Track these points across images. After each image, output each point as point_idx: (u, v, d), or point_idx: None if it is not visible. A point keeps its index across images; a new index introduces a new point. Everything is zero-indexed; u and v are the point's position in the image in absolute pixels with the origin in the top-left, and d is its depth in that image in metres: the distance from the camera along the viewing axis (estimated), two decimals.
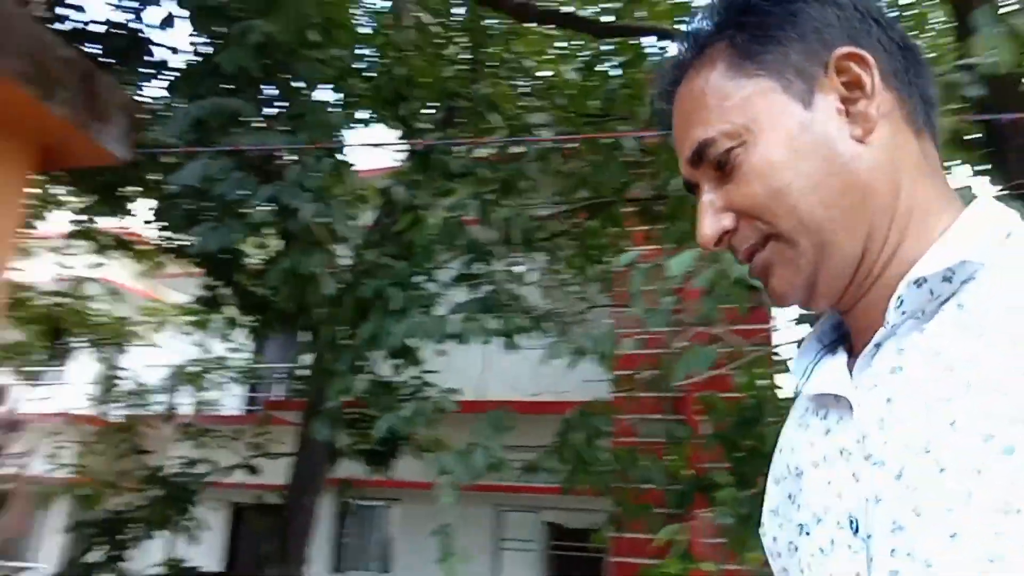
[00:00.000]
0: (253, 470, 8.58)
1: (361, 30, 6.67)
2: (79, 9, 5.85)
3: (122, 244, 9.67)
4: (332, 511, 11.40)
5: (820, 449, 0.73)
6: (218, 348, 10.94)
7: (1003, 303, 0.62)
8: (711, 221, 0.74)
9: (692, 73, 0.77)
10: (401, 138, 6.36)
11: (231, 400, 11.95)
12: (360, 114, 6.50)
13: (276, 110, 5.38)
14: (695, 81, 0.76)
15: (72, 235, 9.48)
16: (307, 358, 8.66)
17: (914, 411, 0.63)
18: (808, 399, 0.78)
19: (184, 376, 10.36)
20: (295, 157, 5.03)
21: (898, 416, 0.64)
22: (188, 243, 8.69)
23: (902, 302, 0.67)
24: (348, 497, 10.45)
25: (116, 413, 10.59)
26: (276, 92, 5.40)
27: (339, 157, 5.27)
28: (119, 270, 11.52)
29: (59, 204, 8.91)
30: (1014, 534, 0.55)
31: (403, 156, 6.12)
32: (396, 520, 11.82)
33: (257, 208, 4.98)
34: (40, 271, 9.99)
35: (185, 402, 10.52)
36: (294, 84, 5.39)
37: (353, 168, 5.53)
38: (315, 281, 4.82)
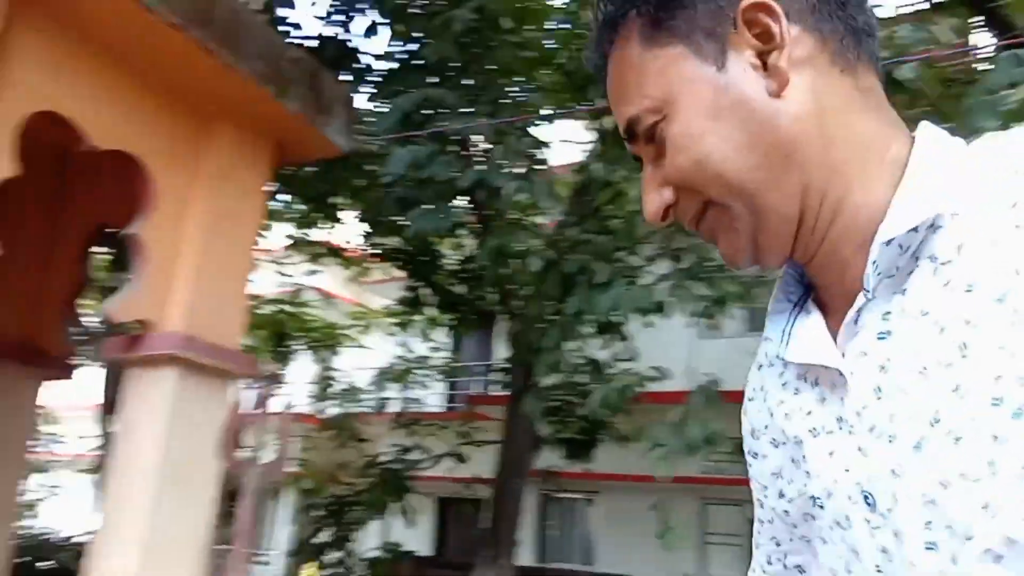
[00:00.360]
0: (461, 458, 8.92)
1: (552, 16, 6.84)
2: (296, 26, 6.44)
3: (333, 253, 10.44)
4: (536, 503, 11.62)
5: (817, 418, 0.72)
6: (420, 348, 11.52)
7: (984, 256, 0.59)
8: (653, 197, 0.74)
9: (612, 50, 0.76)
10: (593, 118, 6.42)
11: (434, 397, 12.52)
12: (552, 99, 6.64)
13: (475, 96, 5.60)
14: (615, 59, 0.76)
15: (290, 247, 10.39)
16: (506, 351, 8.90)
17: (912, 379, 0.61)
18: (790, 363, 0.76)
19: (390, 375, 11.00)
20: (496, 141, 5.20)
21: (897, 385, 0.63)
22: (392, 246, 9.28)
23: (876, 265, 0.64)
24: (550, 489, 10.61)
25: (331, 410, 11.42)
26: (473, 82, 5.65)
27: (536, 136, 5.39)
28: (330, 279, 12.47)
29: (279, 217, 9.78)
30: None
31: (595, 137, 6.18)
32: (598, 515, 11.85)
33: (459, 194, 5.21)
34: (264, 281, 11.01)
35: (392, 399, 11.14)
36: (491, 70, 5.59)
37: (548, 149, 5.66)
38: (521, 257, 4.96)
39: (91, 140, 4.21)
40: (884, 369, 0.64)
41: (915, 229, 0.63)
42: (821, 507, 0.72)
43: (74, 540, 10.43)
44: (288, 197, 9.14)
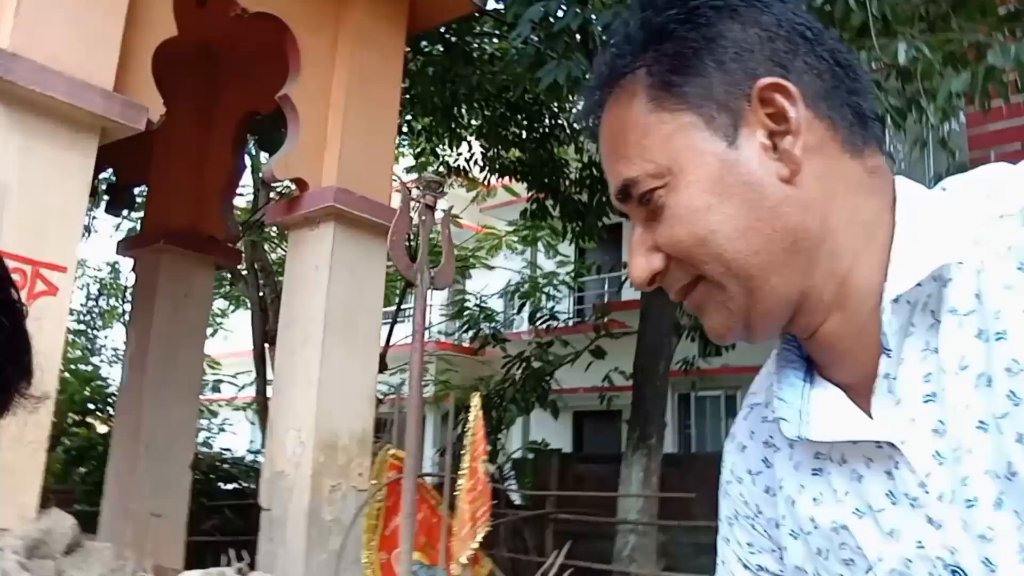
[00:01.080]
0: (600, 352, 8.99)
1: None
2: None
3: (456, 172, 10.65)
4: (675, 402, 11.63)
5: (858, 497, 0.68)
6: (547, 263, 11.64)
7: (1004, 301, 0.59)
8: (640, 262, 0.70)
9: (613, 102, 0.72)
10: None
11: (565, 312, 12.67)
12: None
13: None
14: (616, 112, 0.72)
15: (412, 168, 10.68)
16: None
17: (973, 435, 0.60)
18: (808, 442, 0.71)
19: (520, 293, 11.19)
20: None
21: (959, 445, 0.61)
22: (513, 158, 9.39)
23: (891, 324, 0.63)
24: (689, 386, 10.57)
25: (465, 334, 11.76)
26: None
27: None
28: (454, 205, 12.76)
29: (399, 148, 10.05)
30: None
31: None
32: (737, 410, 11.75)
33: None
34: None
35: (524, 317, 11.35)
36: None
37: None
38: None
39: (240, 3, 4.51)
40: (939, 433, 0.62)
41: (919, 284, 0.62)
42: None
43: (248, 461, 11.23)
44: (410, 118, 9.39)
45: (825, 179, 0.67)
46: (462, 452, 4.47)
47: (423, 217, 3.77)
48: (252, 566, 4.42)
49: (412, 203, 3.77)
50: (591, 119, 0.76)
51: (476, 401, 4.75)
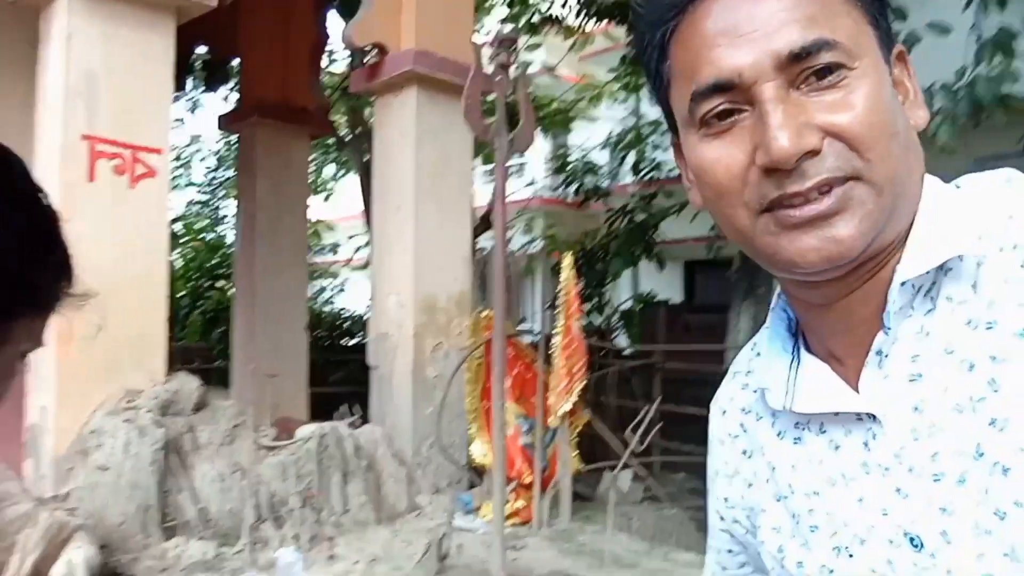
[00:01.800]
0: None
1: None
2: None
3: (550, 20, 10.22)
4: None
5: (833, 466, 0.71)
6: (651, 113, 11.21)
7: (1000, 294, 0.63)
8: (794, 135, 0.62)
9: None
10: None
11: (669, 160, 12.29)
12: None
13: None
14: None
15: (505, 20, 10.31)
16: None
17: (949, 416, 0.63)
18: (790, 412, 0.74)
19: (624, 143, 10.88)
20: None
21: (934, 424, 0.64)
22: (610, 1, 8.88)
23: (895, 304, 0.65)
24: None
25: (569, 188, 11.64)
26: None
27: None
28: (551, 56, 12.32)
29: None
30: None
31: None
32: None
33: None
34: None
35: (628, 167, 11.08)
36: None
37: None
38: None
39: None
40: (918, 410, 0.65)
41: (927, 271, 0.64)
42: (850, 555, 0.71)
43: (366, 318, 11.87)
44: None
45: (915, 146, 0.69)
46: (556, 311, 4.55)
47: (498, 77, 3.67)
48: (365, 419, 4.76)
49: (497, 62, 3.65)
50: None
51: (567, 261, 4.77)
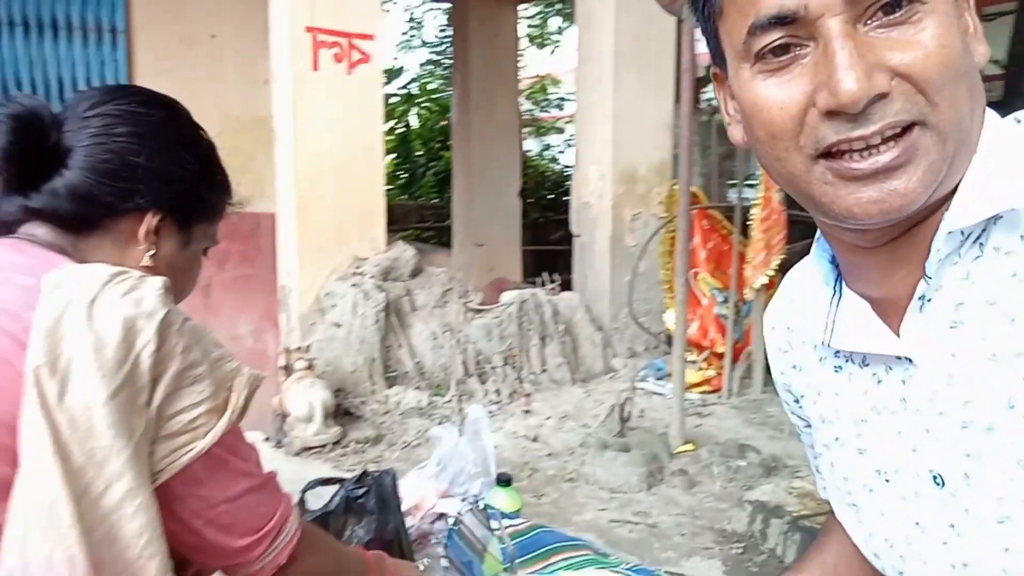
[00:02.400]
0: None
1: None
2: None
3: None
4: None
5: (876, 397, 0.73)
6: None
7: None
8: (862, 77, 0.57)
9: None
10: None
11: None
12: None
13: None
14: None
15: None
16: None
17: (985, 366, 0.63)
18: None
19: None
20: None
21: (969, 371, 0.64)
22: None
23: (939, 252, 0.63)
24: None
25: None
26: None
27: None
28: None
29: None
30: None
31: None
32: None
33: None
34: None
35: None
36: None
37: None
38: None
39: None
40: (955, 356, 0.65)
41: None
42: (887, 481, 0.74)
43: None
44: None
45: (978, 85, 0.64)
46: (755, 183, 4.43)
47: None
48: (564, 286, 5.05)
49: None
50: None
51: None
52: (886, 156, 0.59)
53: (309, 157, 4.04)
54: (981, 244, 0.64)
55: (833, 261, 0.75)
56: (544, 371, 4.36)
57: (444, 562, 2.00)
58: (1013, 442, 0.62)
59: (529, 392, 4.16)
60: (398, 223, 10.51)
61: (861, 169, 0.60)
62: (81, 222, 1.05)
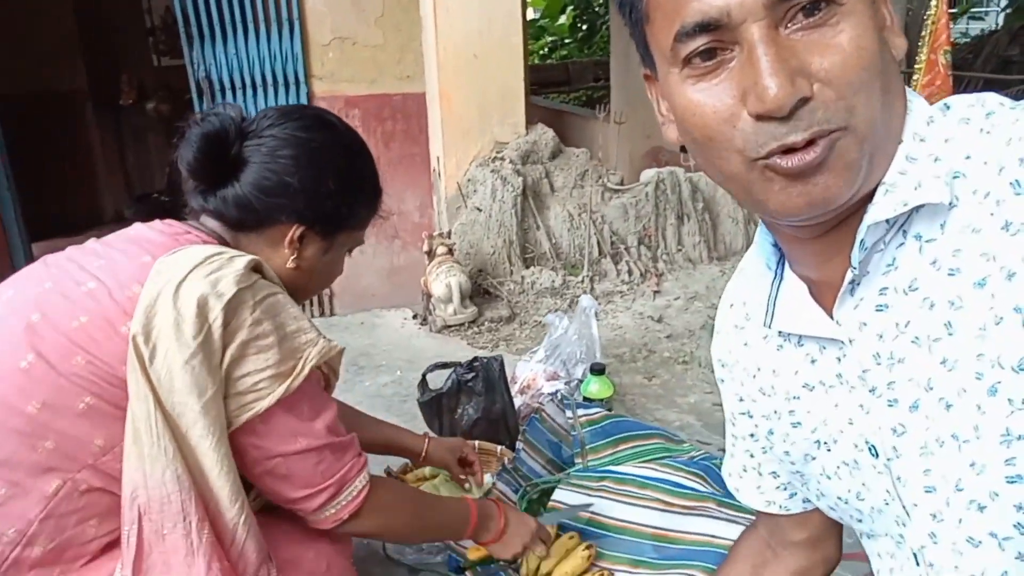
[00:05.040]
0: None
1: None
2: None
3: None
4: None
5: (810, 375, 0.79)
6: None
7: (966, 242, 0.64)
8: (786, 83, 0.59)
9: None
10: None
11: None
12: None
13: None
14: None
15: None
16: None
17: (907, 348, 0.68)
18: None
19: None
20: None
21: (893, 353, 0.69)
22: None
23: (863, 243, 0.67)
24: None
25: None
26: None
27: None
28: None
29: None
30: (1021, 457, 0.62)
31: None
32: None
33: None
34: None
35: None
36: None
37: None
38: None
39: None
40: (882, 338, 0.70)
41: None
42: (828, 450, 0.81)
43: None
44: None
45: (896, 79, 0.65)
46: (919, 44, 4.03)
47: None
48: None
49: None
50: None
51: None
52: (809, 155, 0.62)
53: (449, 43, 4.21)
54: (904, 232, 0.68)
55: (776, 245, 0.80)
56: (680, 250, 4.44)
57: (520, 443, 2.30)
58: (933, 421, 0.68)
59: (661, 272, 4.27)
60: (572, 83, 10.46)
61: (789, 168, 0.62)
62: (241, 224, 1.30)
